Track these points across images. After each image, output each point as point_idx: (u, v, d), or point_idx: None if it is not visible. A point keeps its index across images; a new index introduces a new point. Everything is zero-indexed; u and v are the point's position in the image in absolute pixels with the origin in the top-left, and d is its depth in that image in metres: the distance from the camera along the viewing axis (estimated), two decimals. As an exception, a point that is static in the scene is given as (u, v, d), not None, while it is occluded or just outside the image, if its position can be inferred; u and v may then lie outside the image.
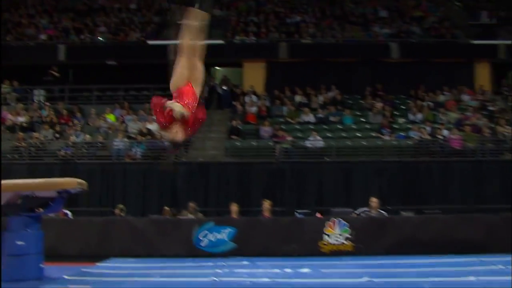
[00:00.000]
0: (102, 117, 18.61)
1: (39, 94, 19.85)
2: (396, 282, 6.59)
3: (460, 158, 16.43)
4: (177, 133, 5.20)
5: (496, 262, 8.38)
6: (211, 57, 22.92)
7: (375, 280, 6.70)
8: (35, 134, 17.37)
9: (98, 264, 9.11)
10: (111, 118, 18.66)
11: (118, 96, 20.03)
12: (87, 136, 17.39)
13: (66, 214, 13.10)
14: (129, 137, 17.30)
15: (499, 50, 20.76)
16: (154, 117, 5.82)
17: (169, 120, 5.23)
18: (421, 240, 11.28)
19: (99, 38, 21.26)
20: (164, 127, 5.28)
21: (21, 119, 18.20)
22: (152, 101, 5.42)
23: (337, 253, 11.16)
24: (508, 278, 6.66)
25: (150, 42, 20.82)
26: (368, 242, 11.32)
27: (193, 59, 5.67)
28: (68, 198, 8.80)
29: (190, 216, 13.18)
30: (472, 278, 6.76)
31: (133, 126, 17.88)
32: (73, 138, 17.23)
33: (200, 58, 5.68)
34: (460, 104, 19.38)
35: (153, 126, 17.69)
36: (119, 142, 16.84)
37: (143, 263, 9.02)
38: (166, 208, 14.00)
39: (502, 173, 15.91)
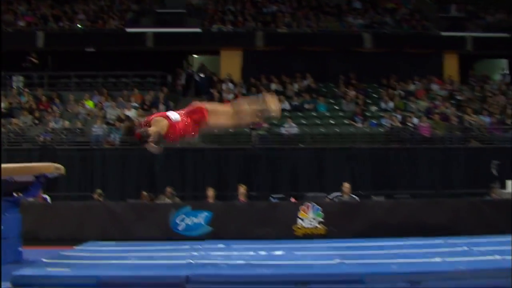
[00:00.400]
0: (80, 103, 18.63)
1: (18, 81, 19.80)
2: (365, 263, 6.76)
3: (429, 145, 16.84)
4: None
5: (461, 244, 8.39)
6: (189, 44, 23.07)
7: (346, 261, 6.88)
8: (14, 120, 17.34)
9: (77, 247, 9.08)
10: (89, 104, 18.70)
11: (96, 82, 20.04)
12: (66, 122, 17.44)
13: (45, 199, 13.15)
14: (107, 123, 17.38)
15: (467, 42, 21.28)
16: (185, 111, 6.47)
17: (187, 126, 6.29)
18: (391, 224, 11.49)
19: (78, 25, 21.18)
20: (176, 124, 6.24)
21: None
22: (203, 105, 6.43)
23: (310, 236, 11.32)
24: (472, 258, 6.92)
25: (129, 29, 20.89)
26: (340, 226, 11.51)
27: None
28: (47, 183, 8.78)
29: (168, 200, 13.32)
30: (437, 259, 6.89)
31: (112, 113, 17.97)
32: (52, 124, 17.28)
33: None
34: (430, 93, 19.86)
35: (131, 113, 17.85)
36: (97, 128, 16.93)
37: (121, 247, 8.97)
38: (144, 193, 14.12)
39: (468, 159, 16.39)
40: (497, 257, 6.76)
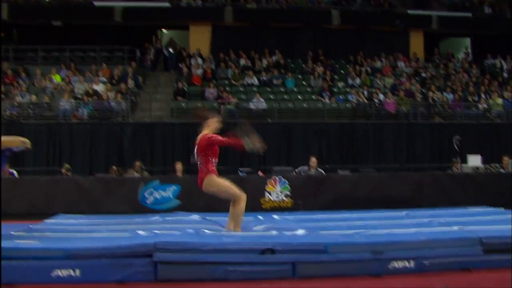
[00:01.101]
0: (48, 77, 18.39)
1: (-19, 54, 19.44)
2: (330, 234, 6.85)
3: (394, 121, 17.15)
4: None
5: (422, 216, 8.59)
6: (158, 19, 22.83)
7: (311, 232, 6.98)
8: (-21, 95, 17.08)
9: (45, 221, 9.00)
10: (57, 78, 18.47)
11: (64, 57, 19.76)
12: (33, 96, 17.21)
13: (12, 174, 13.04)
14: (75, 98, 17.21)
15: (432, 21, 21.61)
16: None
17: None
18: (356, 197, 11.66)
19: (44, -3, 20.82)
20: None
21: (-36, 79, 17.83)
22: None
23: (277, 209, 11.35)
24: (432, 229, 7.14)
25: (97, 3, 20.55)
26: (306, 199, 11.61)
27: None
28: (14, 158, 8.61)
29: (136, 174, 13.31)
30: (399, 230, 7.11)
31: (79, 87, 17.80)
32: (18, 99, 17.02)
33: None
34: (396, 70, 20.19)
35: (99, 87, 17.73)
36: (65, 103, 16.75)
37: (90, 219, 8.95)
38: (113, 167, 14.12)
39: (432, 135, 16.81)
40: (456, 228, 7.03)
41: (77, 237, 6.85)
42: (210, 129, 7.18)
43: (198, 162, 7.22)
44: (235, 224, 7.23)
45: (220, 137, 7.04)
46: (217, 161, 7.24)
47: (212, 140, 7.01)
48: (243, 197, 7.19)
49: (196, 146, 7.18)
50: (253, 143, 6.97)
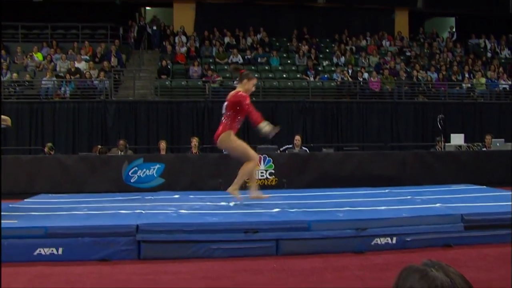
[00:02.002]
0: (29, 55, 18.20)
1: (-40, 31, 19.09)
2: (313, 211, 6.85)
3: (378, 100, 17.19)
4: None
5: (405, 193, 8.61)
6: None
7: (294, 210, 6.97)
8: (-41, 73, 16.83)
9: (26, 200, 8.89)
10: (38, 56, 18.29)
11: (45, 34, 19.50)
12: (14, 74, 16.98)
13: (-7, 153, 12.91)
14: (57, 76, 17.06)
15: (417, 0, 21.60)
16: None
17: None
18: (340, 175, 11.63)
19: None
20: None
21: None
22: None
23: (261, 187, 11.01)
24: (414, 206, 7.18)
25: (78, -21, 20.31)
26: (291, 177, 11.60)
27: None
28: None
29: (120, 153, 13.16)
30: (382, 207, 7.14)
31: (62, 65, 17.62)
32: (-1, 77, 16.89)
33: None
34: (381, 49, 20.19)
35: (81, 65, 17.54)
36: (47, 81, 16.59)
37: (72, 199, 8.85)
38: (99, 146, 14.01)
39: (416, 113, 16.88)
40: (438, 205, 7.08)
41: (58, 215, 6.80)
42: (244, 88, 7.50)
43: (224, 116, 7.51)
44: (236, 181, 7.63)
45: (249, 101, 7.31)
46: (242, 120, 7.53)
47: (242, 98, 7.27)
48: (256, 158, 7.68)
49: (226, 101, 7.48)
50: (269, 127, 7.28)
